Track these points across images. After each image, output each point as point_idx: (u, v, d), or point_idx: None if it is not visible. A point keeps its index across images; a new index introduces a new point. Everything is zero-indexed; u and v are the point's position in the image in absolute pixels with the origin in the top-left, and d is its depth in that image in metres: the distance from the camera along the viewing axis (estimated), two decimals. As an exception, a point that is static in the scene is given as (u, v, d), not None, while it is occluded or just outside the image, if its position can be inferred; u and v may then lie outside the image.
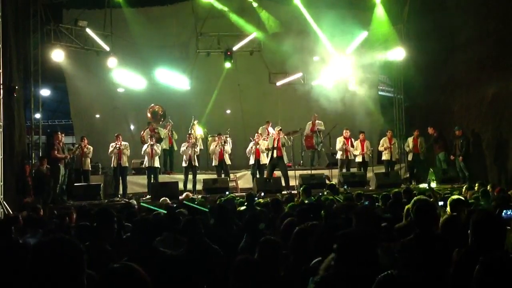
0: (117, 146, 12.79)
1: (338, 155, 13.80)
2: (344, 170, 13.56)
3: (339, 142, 13.72)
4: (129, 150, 13.11)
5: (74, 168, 12.94)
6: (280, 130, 13.04)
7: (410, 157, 14.21)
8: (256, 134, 13.46)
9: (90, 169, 13.17)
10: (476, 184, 9.61)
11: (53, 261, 2.02)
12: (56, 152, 12.10)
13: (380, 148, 14.08)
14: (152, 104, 15.10)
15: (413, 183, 13.55)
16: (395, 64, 15.63)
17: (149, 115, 14.89)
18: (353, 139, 13.71)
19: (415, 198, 4.52)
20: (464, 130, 13.10)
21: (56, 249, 2.07)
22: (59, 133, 12.82)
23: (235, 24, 15.84)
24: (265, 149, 13.08)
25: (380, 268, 2.57)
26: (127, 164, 13.18)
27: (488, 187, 8.85)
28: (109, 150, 12.89)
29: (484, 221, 2.97)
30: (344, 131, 13.76)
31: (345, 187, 12.05)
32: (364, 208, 4.77)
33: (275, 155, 12.80)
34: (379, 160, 14.61)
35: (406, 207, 5.63)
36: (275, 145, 12.78)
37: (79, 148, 12.78)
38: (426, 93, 14.67)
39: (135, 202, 9.85)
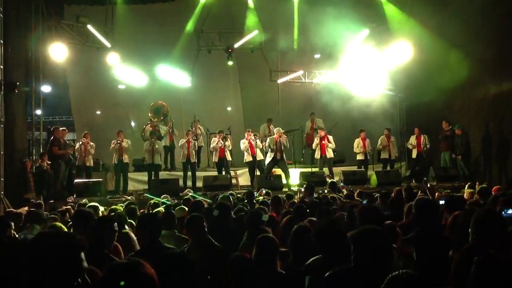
0: (119, 142, 12.80)
1: (316, 154, 13.75)
2: (324, 168, 13.42)
3: (315, 142, 13.65)
4: (130, 147, 13.11)
5: (77, 164, 12.91)
6: (281, 132, 12.89)
7: (414, 155, 14.10)
8: (246, 133, 13.27)
9: (92, 165, 13.15)
10: (476, 183, 9.61)
11: (51, 255, 1.96)
12: (56, 148, 12.09)
13: (379, 147, 14.03)
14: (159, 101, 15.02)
15: (413, 181, 13.51)
16: (397, 62, 15.56)
17: (150, 113, 14.73)
18: (329, 136, 13.52)
19: (418, 196, 4.53)
20: (464, 129, 13.07)
21: (54, 243, 2.01)
22: (60, 129, 12.76)
23: (236, 22, 15.82)
24: (268, 147, 12.99)
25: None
26: (128, 161, 13.19)
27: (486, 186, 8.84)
28: (111, 147, 12.89)
29: (485, 219, 2.97)
30: (319, 131, 13.67)
31: (342, 184, 11.99)
32: (368, 206, 4.78)
33: (278, 157, 12.73)
34: (379, 158, 14.58)
35: (407, 205, 5.65)
36: (277, 147, 12.70)
37: (82, 145, 12.76)
38: (427, 91, 14.62)
39: (134, 199, 9.85)
